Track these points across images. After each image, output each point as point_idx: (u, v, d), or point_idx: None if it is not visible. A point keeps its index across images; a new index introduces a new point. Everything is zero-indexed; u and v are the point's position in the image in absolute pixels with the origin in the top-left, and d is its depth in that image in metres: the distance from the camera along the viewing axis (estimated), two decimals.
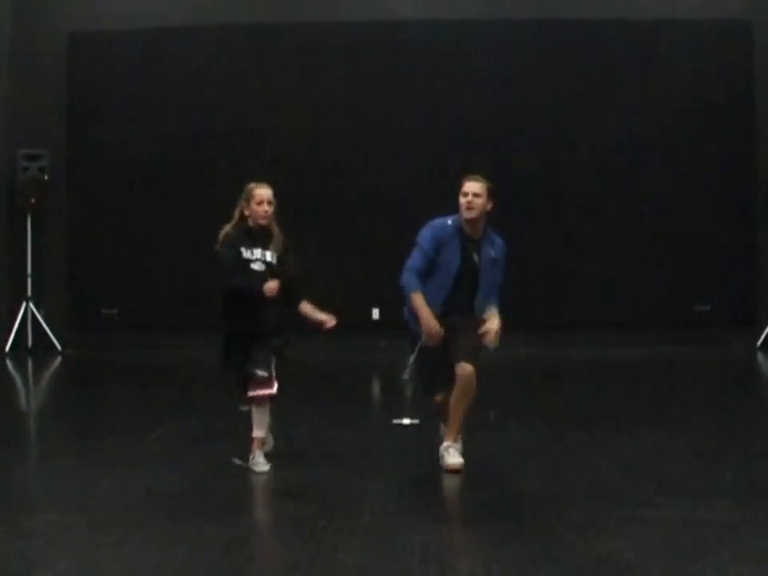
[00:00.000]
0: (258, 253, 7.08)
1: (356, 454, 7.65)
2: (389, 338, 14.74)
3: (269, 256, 7.09)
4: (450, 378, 6.98)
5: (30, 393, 12.88)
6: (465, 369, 6.93)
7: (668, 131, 15.30)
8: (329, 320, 7.33)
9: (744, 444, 8.01)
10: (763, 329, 14.94)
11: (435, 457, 7.29)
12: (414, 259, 7.07)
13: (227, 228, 7.12)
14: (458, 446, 7.11)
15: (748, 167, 15.29)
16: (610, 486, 6.64)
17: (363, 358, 14.61)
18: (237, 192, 7.19)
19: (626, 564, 4.97)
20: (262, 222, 7.11)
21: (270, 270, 7.06)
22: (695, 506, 6.02)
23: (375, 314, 15.40)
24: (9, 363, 14.41)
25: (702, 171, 15.28)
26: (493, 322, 6.99)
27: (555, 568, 4.97)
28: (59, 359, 14.79)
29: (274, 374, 7.05)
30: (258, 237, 7.12)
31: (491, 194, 7.10)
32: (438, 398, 7.15)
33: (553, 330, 15.19)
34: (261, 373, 7.00)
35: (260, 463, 7.11)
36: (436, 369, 7.10)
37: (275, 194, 7.19)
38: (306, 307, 7.29)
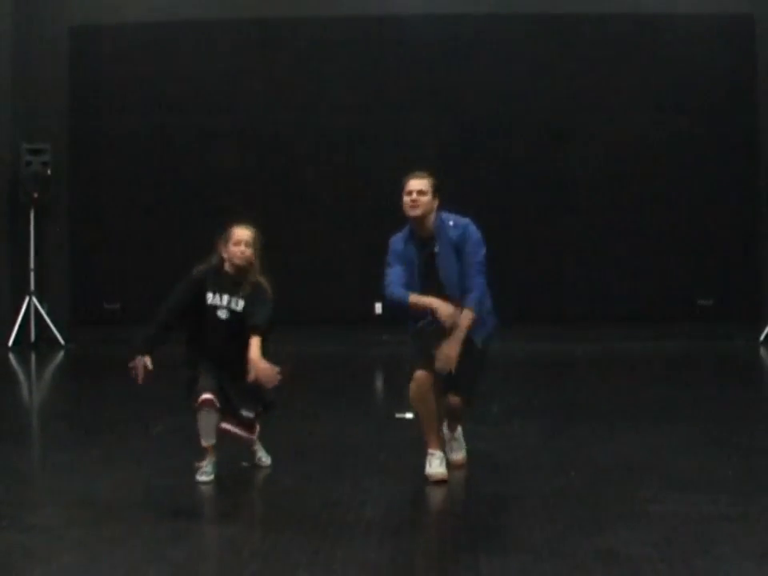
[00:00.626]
0: (225, 299, 6.83)
1: (358, 448, 7.65)
2: (391, 333, 14.74)
3: (235, 304, 6.82)
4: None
5: (33, 387, 12.90)
6: (452, 401, 6.84)
7: (669, 126, 15.27)
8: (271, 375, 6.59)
9: (747, 439, 8.00)
10: (766, 323, 14.93)
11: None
12: (388, 276, 6.86)
13: (202, 267, 6.92)
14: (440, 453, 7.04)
15: (750, 162, 15.28)
16: (613, 480, 6.64)
17: (366, 352, 14.61)
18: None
19: (628, 559, 4.97)
20: (238, 262, 6.82)
21: (233, 319, 6.80)
22: (698, 500, 6.01)
23: (378, 308, 15.39)
24: (12, 358, 14.42)
25: (704, 165, 15.26)
26: (450, 345, 6.61)
27: (557, 562, 4.97)
28: (62, 354, 14.80)
29: (256, 415, 6.92)
30: (230, 282, 6.85)
31: (437, 190, 6.85)
32: (421, 373, 6.70)
33: (555, 325, 15.18)
34: (246, 414, 6.85)
35: (262, 456, 7.12)
36: (426, 348, 6.80)
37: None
38: (254, 352, 6.59)
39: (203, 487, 6.62)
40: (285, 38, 15.58)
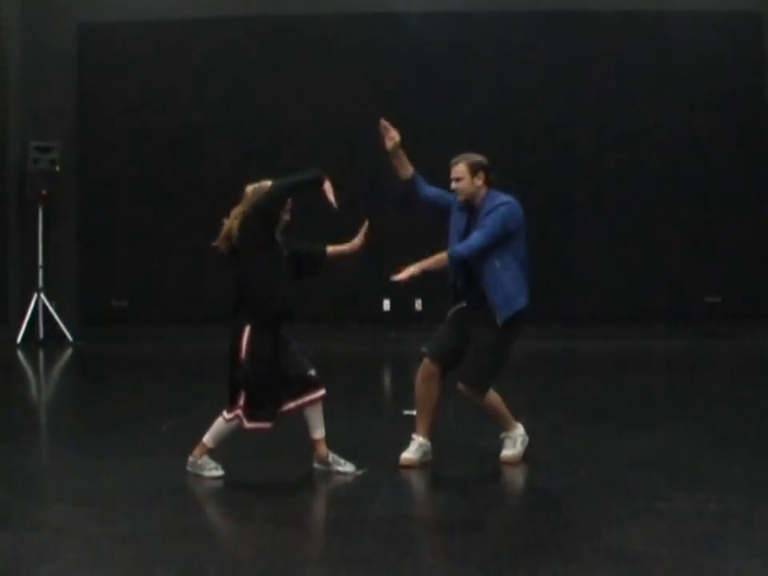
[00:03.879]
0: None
1: (366, 446, 7.65)
2: (399, 330, 14.75)
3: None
4: (449, 354, 7.05)
5: (41, 384, 12.92)
6: (458, 387, 7.03)
7: (679, 124, 15.25)
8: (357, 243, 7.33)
9: (755, 436, 8.00)
10: None
11: (445, 448, 7.30)
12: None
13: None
14: (509, 433, 7.16)
15: (759, 159, 15.25)
16: (622, 478, 6.64)
17: (374, 349, 14.60)
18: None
19: (637, 556, 4.97)
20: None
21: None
22: (706, 498, 6.01)
23: (386, 305, 15.39)
24: (20, 354, 14.45)
25: (712, 163, 15.24)
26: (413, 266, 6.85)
27: (566, 560, 4.97)
28: (70, 351, 14.82)
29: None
30: None
31: (477, 168, 7.11)
32: (427, 362, 7.07)
33: (563, 323, 15.16)
34: (313, 372, 6.84)
35: (341, 462, 6.93)
36: (443, 336, 7.16)
37: None
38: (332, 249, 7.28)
39: (211, 483, 6.63)
40: (290, 36, 15.57)
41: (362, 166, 15.29)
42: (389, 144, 7.37)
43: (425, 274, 6.80)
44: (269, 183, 6.93)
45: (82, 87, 15.73)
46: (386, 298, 15.33)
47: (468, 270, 7.02)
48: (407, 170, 7.49)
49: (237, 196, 7.02)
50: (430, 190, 7.45)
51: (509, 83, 15.39)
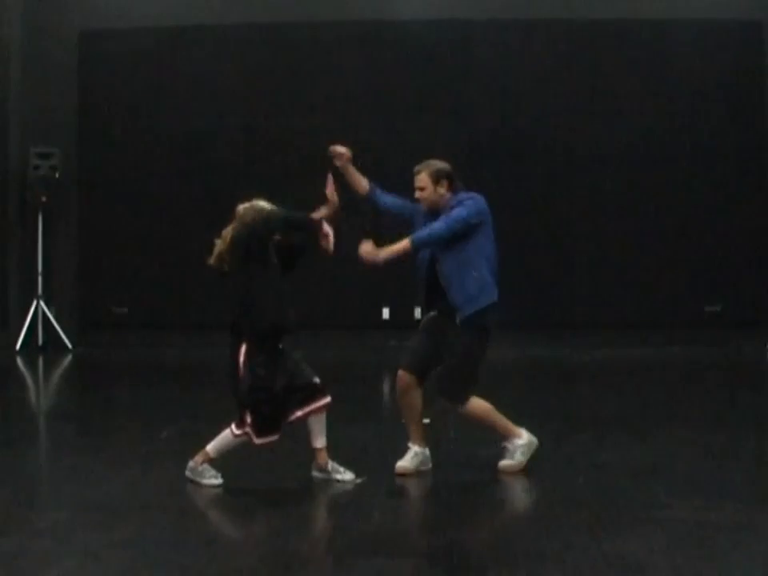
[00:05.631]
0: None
1: (366, 454, 7.66)
2: (399, 338, 14.74)
3: None
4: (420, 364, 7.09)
5: (41, 391, 12.92)
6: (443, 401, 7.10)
7: (678, 131, 15.25)
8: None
9: (755, 445, 8.00)
10: None
11: (444, 456, 7.30)
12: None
13: None
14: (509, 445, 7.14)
15: (759, 167, 15.25)
16: (621, 487, 6.64)
17: (373, 357, 14.59)
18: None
19: (635, 565, 4.97)
20: None
21: None
22: (705, 507, 6.01)
23: (385, 313, 15.39)
24: (19, 361, 14.44)
25: (712, 171, 15.24)
26: (376, 249, 7.09)
27: (565, 569, 4.97)
28: (70, 358, 14.81)
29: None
30: None
31: (439, 176, 7.09)
32: (402, 373, 7.12)
33: (562, 330, 15.15)
34: (317, 379, 6.86)
35: (340, 470, 6.94)
36: (415, 346, 7.22)
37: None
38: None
39: (211, 491, 6.63)
40: (291, 43, 15.57)
41: (363, 173, 15.29)
42: (339, 162, 7.46)
43: (390, 262, 6.93)
44: (261, 203, 6.97)
45: (82, 94, 15.73)
46: (385, 306, 15.34)
47: (435, 274, 7.06)
48: (362, 184, 7.58)
49: (237, 201, 7.06)
50: (390, 200, 7.49)
51: (509, 91, 15.37)
